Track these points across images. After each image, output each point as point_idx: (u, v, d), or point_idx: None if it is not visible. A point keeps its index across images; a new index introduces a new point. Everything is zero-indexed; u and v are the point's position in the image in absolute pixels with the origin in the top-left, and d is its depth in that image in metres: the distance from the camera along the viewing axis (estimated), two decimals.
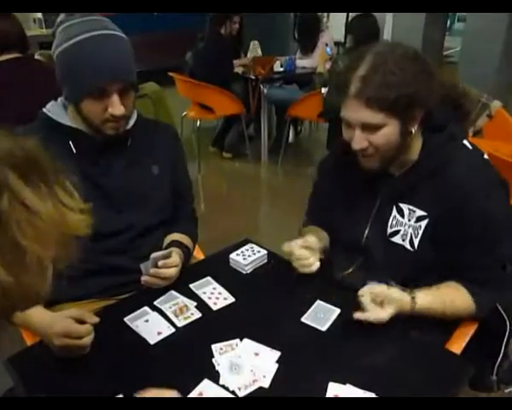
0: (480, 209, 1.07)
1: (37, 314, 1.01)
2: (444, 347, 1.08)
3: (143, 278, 1.12)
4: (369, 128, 1.05)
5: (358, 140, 1.07)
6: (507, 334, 1.18)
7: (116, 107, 1.08)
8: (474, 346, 1.13)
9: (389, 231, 1.16)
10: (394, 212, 1.16)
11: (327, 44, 4.33)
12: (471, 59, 3.69)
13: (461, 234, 1.08)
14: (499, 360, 1.20)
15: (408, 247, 1.14)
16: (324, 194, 1.35)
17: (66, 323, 0.92)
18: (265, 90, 4.14)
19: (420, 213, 1.12)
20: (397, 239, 1.16)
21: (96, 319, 0.95)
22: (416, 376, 0.93)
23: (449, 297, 1.10)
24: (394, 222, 1.16)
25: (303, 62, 4.49)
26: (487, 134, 2.11)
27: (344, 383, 0.89)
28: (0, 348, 0.77)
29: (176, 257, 1.17)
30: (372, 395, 0.87)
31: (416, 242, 1.13)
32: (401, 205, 1.15)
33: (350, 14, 6.60)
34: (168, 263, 1.14)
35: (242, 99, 4.17)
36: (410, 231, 1.13)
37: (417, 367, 0.96)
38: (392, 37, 3.91)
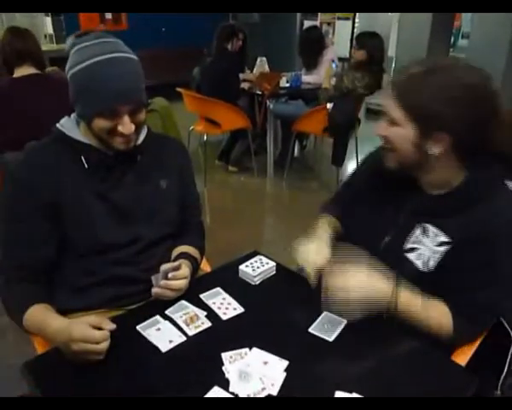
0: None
1: (56, 320, 1.05)
2: (450, 359, 1.09)
3: (154, 290, 1.15)
4: (390, 121, 1.09)
5: (379, 127, 1.13)
6: (511, 349, 1.19)
7: (127, 126, 1.11)
8: (479, 360, 1.14)
9: (407, 246, 1.16)
10: (418, 230, 1.15)
11: (333, 60, 4.40)
12: None
13: (470, 263, 1.09)
14: (504, 374, 1.20)
15: (420, 267, 1.14)
16: (358, 187, 1.36)
17: (85, 328, 0.95)
18: (271, 106, 4.21)
19: (444, 238, 1.12)
20: (412, 256, 1.15)
21: (113, 326, 0.98)
22: (422, 387, 0.95)
23: (432, 309, 1.11)
24: (415, 239, 1.15)
25: (308, 78, 4.55)
26: None
27: (350, 392, 0.91)
28: None
29: (185, 269, 1.20)
30: None
31: (432, 264, 1.13)
32: (427, 225, 1.14)
33: (355, 30, 6.71)
34: (178, 275, 1.17)
35: (248, 114, 4.23)
36: (428, 253, 1.13)
37: (423, 378, 0.97)
38: (396, 53, 3.97)
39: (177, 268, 1.17)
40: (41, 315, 1.08)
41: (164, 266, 1.16)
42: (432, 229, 1.14)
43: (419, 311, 1.10)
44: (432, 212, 1.15)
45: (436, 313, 1.11)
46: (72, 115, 1.22)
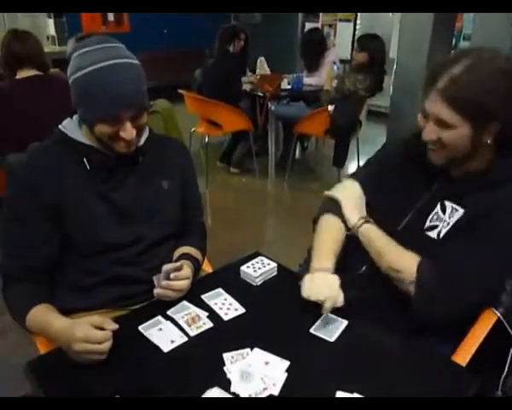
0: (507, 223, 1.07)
1: (58, 320, 1.05)
2: (451, 359, 1.09)
3: (156, 291, 1.15)
4: (442, 124, 1.08)
5: (429, 132, 1.11)
6: None
7: (128, 132, 1.12)
8: (479, 360, 1.14)
9: (427, 224, 1.19)
10: (438, 208, 1.18)
11: (334, 62, 4.40)
12: None
13: (473, 234, 1.09)
14: (504, 374, 1.21)
15: (436, 239, 1.16)
16: (383, 166, 1.35)
17: (87, 328, 0.96)
18: (273, 107, 4.22)
19: (461, 212, 1.14)
20: (432, 234, 1.18)
21: (115, 326, 0.99)
22: (423, 387, 0.95)
23: (396, 249, 1.16)
24: (435, 217, 1.18)
25: (309, 80, 4.56)
26: None
27: (351, 392, 0.92)
28: None
29: (187, 269, 1.20)
30: None
31: (443, 233, 1.15)
32: (446, 202, 1.17)
33: (356, 31, 6.72)
34: (179, 275, 1.17)
35: (250, 116, 4.24)
36: (446, 227, 1.15)
37: (423, 378, 0.98)
38: (397, 54, 3.97)
39: (178, 269, 1.18)
40: (43, 315, 1.09)
41: (166, 267, 1.16)
42: (450, 205, 1.16)
43: (385, 243, 1.17)
44: (455, 191, 1.17)
45: (399, 253, 1.15)
46: (75, 117, 1.23)
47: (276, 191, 4.26)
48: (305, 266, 1.56)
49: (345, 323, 1.11)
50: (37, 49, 2.38)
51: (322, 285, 1.13)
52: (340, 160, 4.11)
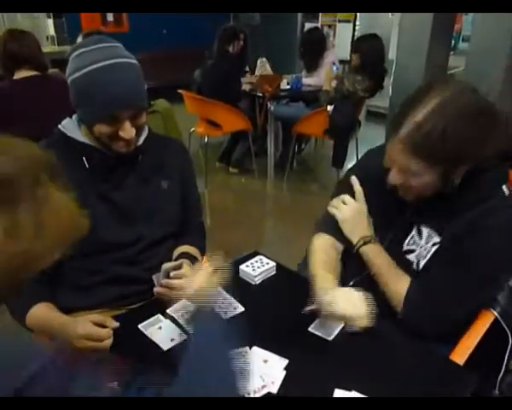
0: (485, 242, 1.05)
1: (60, 318, 1.06)
2: (448, 358, 1.10)
3: (156, 289, 1.16)
4: (408, 172, 1.04)
5: (394, 177, 1.08)
6: (509, 348, 1.19)
7: (127, 131, 1.12)
8: (477, 359, 1.14)
9: (405, 247, 1.19)
10: (414, 231, 1.18)
11: (334, 63, 4.41)
12: (475, 78, 3.76)
13: (448, 256, 1.10)
14: (501, 373, 1.21)
15: (415, 269, 1.17)
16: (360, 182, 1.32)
17: (89, 326, 0.97)
18: (272, 108, 4.23)
19: (436, 239, 1.14)
20: (411, 257, 1.18)
21: (116, 324, 1.00)
22: (421, 386, 0.96)
23: (393, 272, 1.16)
24: (411, 241, 1.18)
25: (309, 80, 4.57)
26: None
27: (350, 390, 0.92)
28: None
29: (186, 268, 1.21)
30: None
31: (422, 264, 1.16)
32: (422, 227, 1.17)
33: (356, 32, 6.73)
34: (179, 274, 1.18)
35: (249, 116, 4.24)
36: (423, 254, 1.15)
37: (421, 377, 0.99)
38: (396, 55, 3.98)
39: (178, 267, 1.18)
40: (44, 314, 1.10)
41: (165, 266, 1.16)
42: (426, 230, 1.16)
43: (381, 265, 1.17)
44: (428, 217, 1.16)
45: (392, 278, 1.16)
46: (74, 116, 1.23)
47: (275, 191, 4.26)
48: (303, 266, 1.57)
49: (343, 322, 1.12)
50: (34, 49, 2.35)
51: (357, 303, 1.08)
52: (339, 160, 4.11)
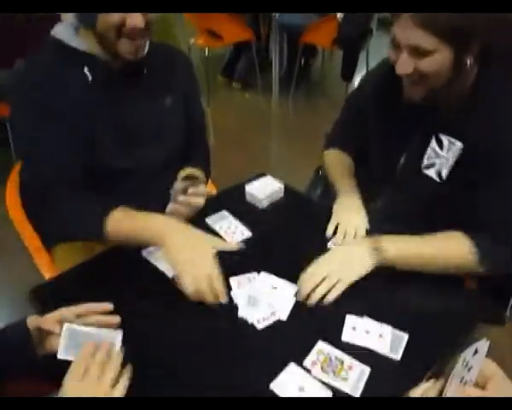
0: None
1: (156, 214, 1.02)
2: (463, 282, 1.07)
3: (170, 206, 1.11)
4: (418, 52, 0.96)
5: (404, 64, 0.98)
6: None
7: (136, 17, 0.99)
8: (489, 282, 1.12)
9: (425, 162, 1.11)
10: (433, 143, 1.10)
11: None
12: None
13: (486, 171, 1.02)
14: None
15: (437, 180, 1.10)
16: (360, 115, 1.27)
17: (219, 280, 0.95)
18: (277, 15, 3.92)
19: (459, 145, 1.06)
20: (431, 172, 1.11)
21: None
22: (434, 309, 0.95)
23: (433, 243, 1.03)
24: (432, 154, 1.10)
25: None
26: None
27: (361, 316, 0.91)
28: None
29: (203, 186, 1.17)
30: (389, 327, 0.88)
31: (445, 173, 1.08)
32: (441, 136, 1.08)
33: None
34: (197, 191, 1.13)
35: (252, 27, 3.98)
36: (444, 163, 1.08)
37: (434, 301, 0.97)
38: None
39: (196, 184, 1.13)
40: (133, 215, 1.01)
41: (182, 183, 1.11)
42: (446, 138, 1.08)
43: (418, 258, 1.03)
44: (446, 121, 1.08)
45: (446, 245, 1.04)
46: (69, 21, 1.09)
47: (280, 108, 4.11)
48: (312, 188, 1.52)
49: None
50: None
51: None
52: (348, 72, 3.91)
